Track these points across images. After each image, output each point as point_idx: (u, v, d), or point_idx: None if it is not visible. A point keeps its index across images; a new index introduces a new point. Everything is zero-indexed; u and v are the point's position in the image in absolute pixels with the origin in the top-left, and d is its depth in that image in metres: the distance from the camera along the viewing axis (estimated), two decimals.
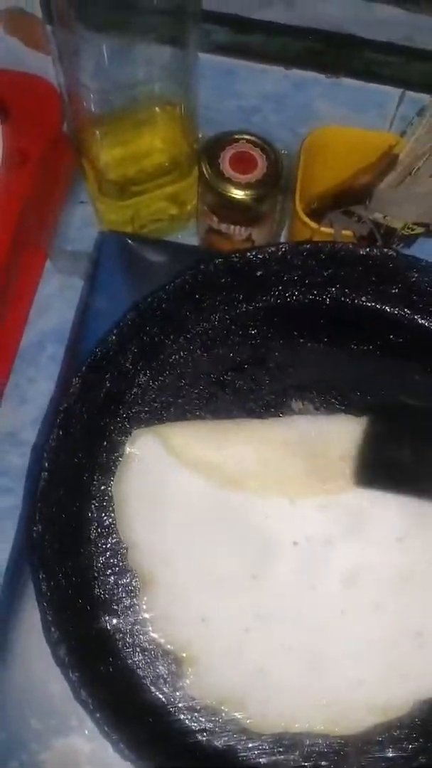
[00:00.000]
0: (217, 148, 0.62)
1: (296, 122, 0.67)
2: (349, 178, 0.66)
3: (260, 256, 0.49)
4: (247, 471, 0.45)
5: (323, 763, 0.42)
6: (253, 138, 0.63)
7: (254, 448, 0.46)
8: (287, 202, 0.66)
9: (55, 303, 0.68)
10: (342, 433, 0.47)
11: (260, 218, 0.64)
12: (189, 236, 0.71)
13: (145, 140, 0.65)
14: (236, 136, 0.63)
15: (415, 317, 0.50)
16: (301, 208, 0.63)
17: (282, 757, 0.42)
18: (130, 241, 0.63)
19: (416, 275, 0.49)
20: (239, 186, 0.61)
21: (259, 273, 0.50)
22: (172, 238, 0.70)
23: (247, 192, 0.61)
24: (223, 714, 0.43)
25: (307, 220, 0.63)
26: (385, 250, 0.49)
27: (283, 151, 0.63)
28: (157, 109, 0.63)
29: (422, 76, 0.63)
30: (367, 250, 0.49)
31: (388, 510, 0.45)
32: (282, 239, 0.69)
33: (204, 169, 0.62)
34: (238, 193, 0.61)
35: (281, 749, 0.42)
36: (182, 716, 0.43)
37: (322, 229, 0.62)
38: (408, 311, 0.50)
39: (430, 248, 0.61)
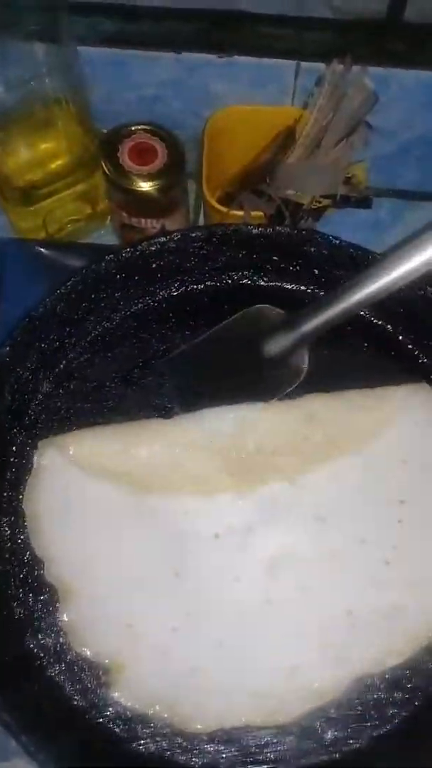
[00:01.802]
0: (115, 142, 0.61)
1: (198, 106, 0.66)
2: (254, 157, 0.65)
3: (152, 248, 0.48)
4: (156, 474, 0.44)
5: (263, 755, 0.41)
6: (150, 127, 0.61)
7: (162, 450, 0.45)
8: (200, 188, 0.65)
9: None
10: (256, 425, 0.46)
11: (170, 208, 0.63)
12: (108, 234, 0.69)
13: (47, 142, 0.64)
14: (133, 128, 0.61)
15: (318, 291, 0.48)
16: (210, 192, 0.62)
17: (220, 754, 0.41)
18: (39, 248, 0.62)
19: (313, 249, 0.48)
20: (141, 178, 0.59)
21: (154, 265, 0.48)
22: (92, 237, 0.69)
23: (150, 183, 0.59)
24: (156, 718, 0.42)
25: (215, 204, 0.61)
26: (279, 227, 0.47)
27: (189, 139, 0.62)
28: (53, 108, 0.61)
29: (315, 45, 0.62)
30: (261, 230, 0.48)
31: (306, 493, 0.44)
32: None
33: (104, 165, 0.60)
34: (142, 186, 0.60)
35: (218, 747, 0.41)
36: (113, 726, 0.42)
37: (232, 212, 0.60)
38: (311, 287, 0.49)
39: (338, 219, 0.60)
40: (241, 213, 0.60)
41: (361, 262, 0.48)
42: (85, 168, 0.64)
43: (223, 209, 0.61)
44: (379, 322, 0.50)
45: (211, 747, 0.41)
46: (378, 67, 0.61)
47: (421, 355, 0.49)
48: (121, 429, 0.46)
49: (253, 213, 0.60)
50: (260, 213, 0.60)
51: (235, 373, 0.46)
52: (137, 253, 0.47)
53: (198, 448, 0.44)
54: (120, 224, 0.65)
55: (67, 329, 0.48)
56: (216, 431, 0.45)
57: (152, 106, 0.68)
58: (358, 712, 0.42)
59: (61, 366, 0.48)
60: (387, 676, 0.42)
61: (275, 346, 0.45)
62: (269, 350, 0.45)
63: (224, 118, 0.65)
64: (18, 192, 0.63)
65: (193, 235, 0.47)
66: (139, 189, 0.59)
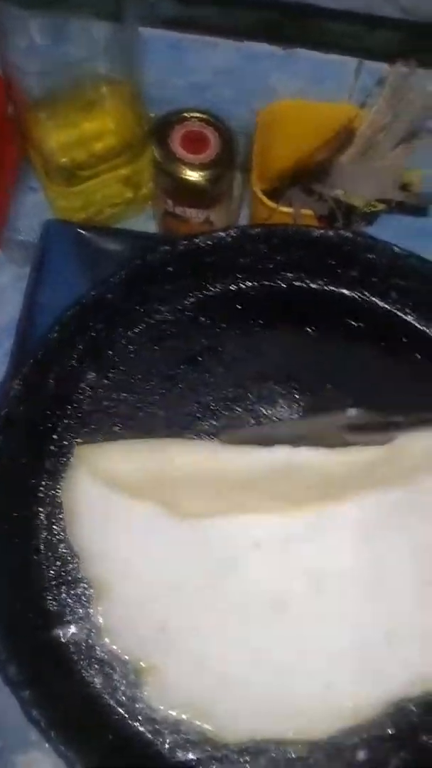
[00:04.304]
0: (167, 128, 0.59)
1: (251, 97, 0.64)
2: (307, 153, 0.63)
3: (209, 242, 0.46)
4: (194, 506, 0.43)
5: None
6: (204, 116, 0.60)
7: (203, 482, 0.43)
8: (247, 181, 0.63)
9: (9, 295, 0.65)
10: (307, 466, 0.44)
11: (217, 200, 0.62)
12: (147, 220, 0.68)
13: (94, 122, 0.62)
14: (186, 115, 0.60)
15: (374, 299, 0.47)
16: (260, 187, 0.61)
17: (248, 765, 0.40)
18: (80, 230, 0.61)
19: (373, 257, 0.47)
20: (192, 167, 0.58)
21: (209, 260, 0.47)
22: (129, 222, 0.67)
23: (200, 173, 0.58)
24: (186, 724, 0.41)
25: (264, 199, 0.60)
26: (341, 231, 0.46)
27: (239, 130, 0.60)
28: (104, 89, 0.59)
29: (381, 44, 0.60)
30: (321, 232, 0.46)
31: (354, 510, 0.43)
32: (244, 220, 0.67)
33: (155, 150, 0.59)
34: (191, 175, 0.58)
35: (247, 758, 0.40)
36: (142, 728, 0.41)
37: (281, 208, 0.59)
38: (366, 294, 0.48)
39: (392, 224, 0.59)
40: (289, 210, 0.59)
41: (425, 272, 0.46)
42: (131, 152, 0.62)
43: (272, 204, 0.59)
44: None
45: (240, 758, 0.41)
46: None
47: None
48: (161, 447, 0.44)
49: (303, 211, 0.59)
50: (310, 211, 0.59)
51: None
52: (193, 246, 0.46)
53: (248, 481, 0.43)
54: (163, 211, 0.63)
55: (117, 319, 0.46)
56: (270, 469, 0.44)
57: (202, 93, 0.66)
58: (391, 735, 0.41)
59: (108, 356, 0.47)
60: (423, 701, 0.41)
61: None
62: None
63: (278, 111, 0.64)
64: (61, 171, 0.61)
65: (253, 233, 0.46)
66: (189, 178, 0.58)
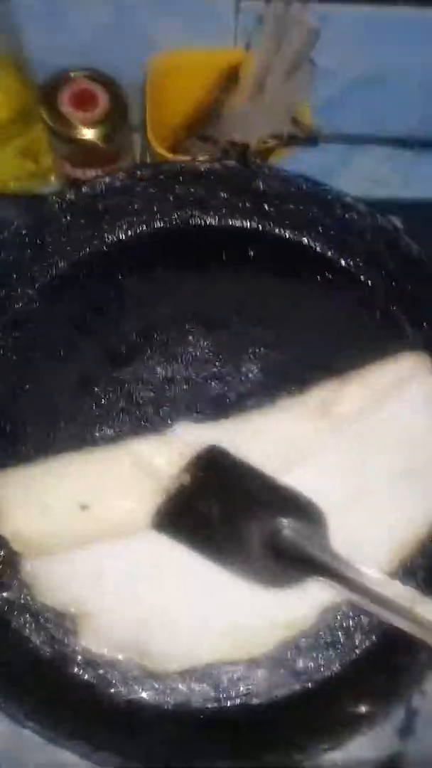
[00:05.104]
0: (54, 91, 0.59)
1: (138, 52, 0.64)
2: (199, 101, 0.63)
3: (98, 189, 0.46)
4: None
5: (235, 689, 0.41)
6: (89, 73, 0.59)
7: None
8: (146, 138, 0.63)
9: None
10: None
11: (115, 157, 0.61)
12: (53, 191, 0.67)
13: None
14: (72, 74, 0.59)
15: (268, 226, 0.48)
16: (157, 141, 0.60)
17: (193, 692, 0.41)
18: None
19: (263, 184, 0.47)
20: (84, 125, 0.58)
21: (101, 206, 0.47)
22: None
23: (93, 130, 0.58)
24: (126, 662, 0.41)
25: (161, 150, 0.60)
26: (226, 162, 0.46)
27: (131, 86, 0.60)
28: None
29: None
30: (208, 165, 0.46)
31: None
32: None
33: (44, 114, 0.58)
34: (85, 133, 0.58)
35: (191, 685, 0.41)
36: (83, 674, 0.41)
37: (180, 158, 0.59)
38: (262, 222, 0.48)
39: (287, 165, 0.59)
40: (188, 159, 0.59)
41: (313, 196, 0.47)
42: (22, 121, 0.62)
43: (169, 155, 0.59)
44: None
45: (183, 686, 0.41)
46: (319, 2, 0.59)
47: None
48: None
49: (200, 158, 0.59)
50: (207, 157, 0.59)
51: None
52: (81, 193, 0.46)
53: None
54: (66, 178, 0.63)
55: (14, 275, 0.46)
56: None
57: (89, 53, 0.65)
58: (328, 640, 0.42)
59: (9, 315, 0.46)
60: (353, 603, 0.42)
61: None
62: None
63: (165, 64, 0.63)
64: None
65: (139, 173, 0.46)
66: (83, 137, 0.58)
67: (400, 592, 0.37)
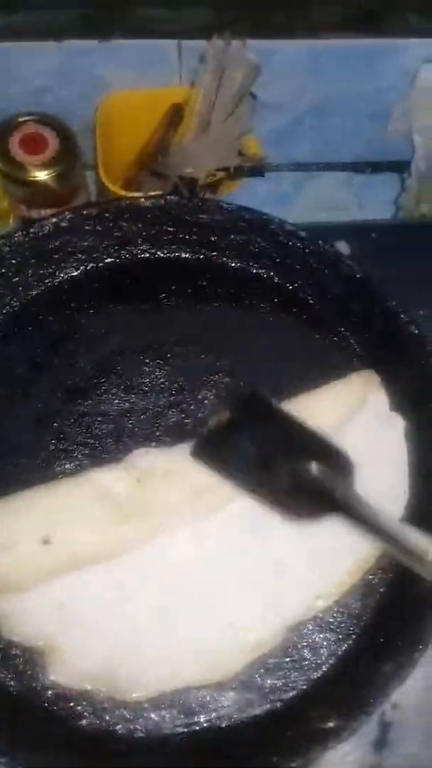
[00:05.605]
0: (5, 136, 0.60)
1: (87, 94, 0.66)
2: (148, 139, 0.65)
3: (45, 229, 0.48)
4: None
5: (205, 712, 0.41)
6: (38, 117, 0.61)
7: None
8: (99, 176, 0.65)
9: None
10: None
11: (70, 197, 0.63)
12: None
13: None
14: (21, 119, 0.61)
15: (215, 257, 0.49)
16: (109, 180, 0.62)
17: (163, 719, 0.41)
18: None
19: (207, 216, 0.49)
20: (36, 167, 0.59)
21: (50, 246, 0.48)
22: None
23: (46, 171, 0.59)
24: (95, 694, 0.41)
25: (114, 187, 0.62)
26: (169, 197, 0.48)
27: (84, 128, 0.62)
28: None
29: (195, 23, 0.63)
30: (152, 201, 0.48)
31: None
32: None
33: None
34: (38, 175, 0.59)
35: (161, 712, 0.41)
36: (53, 707, 0.41)
37: (131, 195, 0.61)
38: (208, 253, 0.50)
39: (242, 196, 0.61)
40: (139, 195, 0.60)
41: (256, 226, 0.48)
42: None
43: (121, 192, 0.61)
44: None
45: (153, 714, 0.41)
46: (261, 39, 0.62)
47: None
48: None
49: (151, 193, 0.61)
50: (158, 192, 0.61)
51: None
52: (30, 235, 0.47)
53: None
54: (23, 220, 0.64)
55: None
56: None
57: (41, 98, 0.67)
58: (294, 658, 0.43)
59: None
60: (318, 620, 0.43)
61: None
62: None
63: (114, 104, 0.66)
64: None
65: (86, 212, 0.47)
66: (35, 179, 0.59)
67: (419, 539, 0.39)
